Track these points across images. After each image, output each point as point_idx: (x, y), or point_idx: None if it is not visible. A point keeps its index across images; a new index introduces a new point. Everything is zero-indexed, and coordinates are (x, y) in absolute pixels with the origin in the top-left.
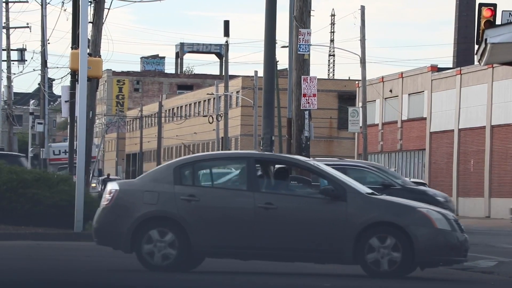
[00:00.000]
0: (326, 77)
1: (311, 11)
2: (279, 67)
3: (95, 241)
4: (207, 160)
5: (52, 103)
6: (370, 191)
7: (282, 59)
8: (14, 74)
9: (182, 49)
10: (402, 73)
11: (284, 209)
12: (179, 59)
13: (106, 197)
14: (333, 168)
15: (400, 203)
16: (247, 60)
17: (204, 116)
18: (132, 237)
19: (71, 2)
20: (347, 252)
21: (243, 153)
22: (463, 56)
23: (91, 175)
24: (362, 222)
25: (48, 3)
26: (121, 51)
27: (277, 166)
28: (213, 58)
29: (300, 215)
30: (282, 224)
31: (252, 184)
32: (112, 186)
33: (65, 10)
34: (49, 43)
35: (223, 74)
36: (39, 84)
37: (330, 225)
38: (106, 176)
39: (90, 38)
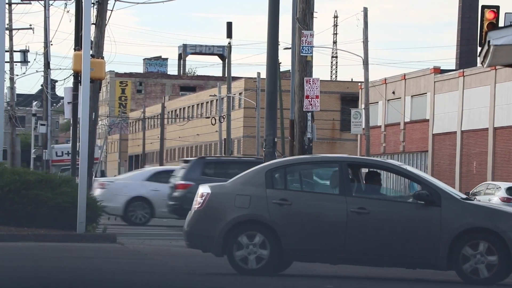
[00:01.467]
0: (329, 79)
1: (314, 13)
2: (282, 68)
3: (186, 244)
4: (299, 164)
5: (54, 104)
6: (464, 196)
7: (285, 61)
8: (17, 75)
9: (185, 51)
10: (404, 75)
11: (377, 214)
12: (181, 61)
13: (198, 200)
14: None
15: (496, 208)
16: (249, 62)
17: (206, 117)
18: (224, 240)
19: (74, 4)
20: (441, 258)
21: (335, 157)
22: (466, 58)
23: (93, 177)
24: (457, 228)
25: (51, 4)
26: (124, 52)
27: (368, 169)
28: (216, 59)
29: (393, 220)
30: (375, 229)
31: (345, 188)
32: (204, 189)
33: (68, 11)
34: (52, 44)
35: (226, 75)
36: (42, 85)
37: (423, 231)
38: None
39: (93, 39)
